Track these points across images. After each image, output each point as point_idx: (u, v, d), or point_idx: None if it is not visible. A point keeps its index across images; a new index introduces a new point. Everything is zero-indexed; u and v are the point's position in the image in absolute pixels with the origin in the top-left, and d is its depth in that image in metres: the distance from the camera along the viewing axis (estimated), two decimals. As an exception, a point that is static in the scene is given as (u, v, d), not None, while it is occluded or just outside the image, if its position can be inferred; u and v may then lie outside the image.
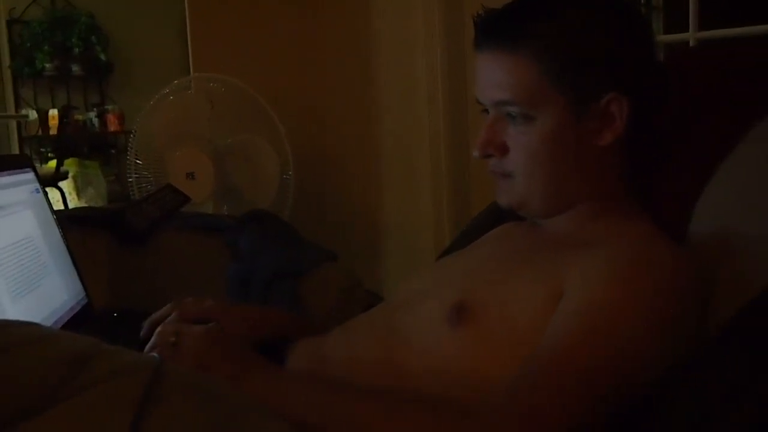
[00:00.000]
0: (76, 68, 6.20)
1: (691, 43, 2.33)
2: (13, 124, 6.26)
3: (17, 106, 6.19)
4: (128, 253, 1.71)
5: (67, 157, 5.51)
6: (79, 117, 6.26)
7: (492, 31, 1.12)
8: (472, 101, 1.35)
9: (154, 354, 1.08)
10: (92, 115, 6.31)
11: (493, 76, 1.12)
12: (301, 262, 1.73)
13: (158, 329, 1.12)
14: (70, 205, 5.15)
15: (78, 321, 1.37)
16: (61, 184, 4.95)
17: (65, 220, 1.55)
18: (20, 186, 1.42)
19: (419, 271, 1.35)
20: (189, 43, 3.15)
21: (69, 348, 0.73)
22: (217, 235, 1.85)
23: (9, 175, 1.39)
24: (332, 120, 3.20)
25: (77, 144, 6.13)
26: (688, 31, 2.33)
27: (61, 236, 1.48)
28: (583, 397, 0.88)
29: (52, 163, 5.11)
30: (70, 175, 5.41)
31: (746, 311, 0.90)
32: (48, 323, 1.28)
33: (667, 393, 0.86)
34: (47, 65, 6.09)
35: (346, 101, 3.15)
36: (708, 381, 0.84)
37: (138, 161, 2.75)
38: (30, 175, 1.47)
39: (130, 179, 2.80)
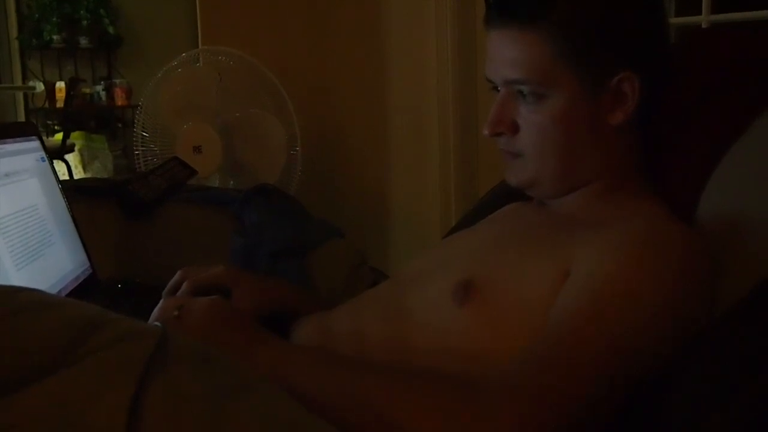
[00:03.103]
0: (84, 41, 6.19)
1: (704, 26, 2.31)
2: (20, 95, 6.25)
3: (24, 78, 6.18)
4: (134, 224, 1.71)
5: (74, 131, 5.50)
6: (87, 90, 6.25)
7: (505, 9, 1.11)
8: (481, 79, 1.34)
9: (158, 323, 1.07)
10: (99, 88, 6.29)
11: (506, 54, 1.11)
12: (307, 237, 1.73)
13: (161, 302, 1.12)
14: (76, 178, 5.14)
15: (82, 291, 1.36)
16: (67, 157, 4.95)
17: (71, 190, 1.54)
18: (26, 154, 1.41)
19: (426, 249, 1.34)
20: (198, 15, 3.13)
21: (75, 314, 0.73)
22: (223, 209, 1.85)
23: (15, 142, 1.38)
24: (341, 96, 3.19)
25: (84, 117, 6.13)
26: (701, 14, 2.31)
27: (66, 206, 1.47)
28: (592, 375, 0.87)
29: (59, 136, 5.10)
30: (76, 148, 5.41)
31: (756, 292, 0.90)
32: (52, 292, 1.28)
33: (677, 370, 0.86)
34: (55, 37, 6.08)
35: (356, 77, 3.13)
36: (720, 357, 0.84)
37: (145, 134, 2.74)
38: (36, 143, 1.46)
39: (137, 152, 2.80)
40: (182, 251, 1.69)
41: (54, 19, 6.05)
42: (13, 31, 6.11)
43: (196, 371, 0.73)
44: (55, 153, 4.60)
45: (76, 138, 5.53)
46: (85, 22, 6.11)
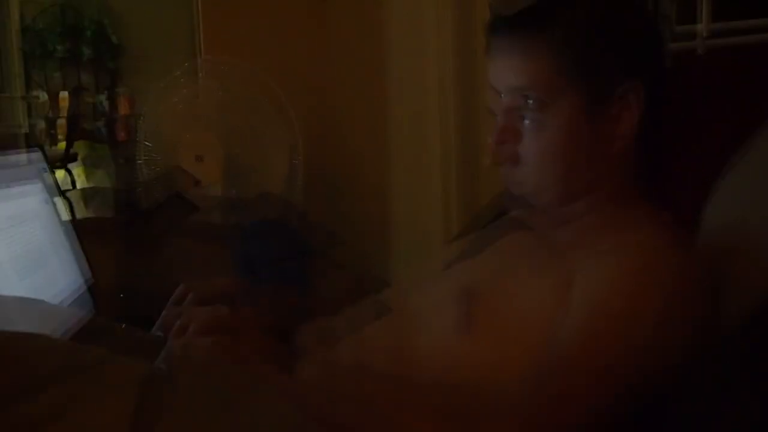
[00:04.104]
0: (87, 50, 6.19)
1: (704, 35, 2.30)
2: (23, 105, 6.26)
3: (28, 88, 6.19)
4: (137, 261, 1.72)
5: (77, 140, 5.51)
6: (90, 99, 6.25)
7: (510, 19, 1.11)
8: (482, 86, 1.34)
9: (159, 333, 1.08)
10: (102, 97, 6.30)
11: (511, 62, 1.11)
12: (309, 245, 1.74)
13: (163, 313, 1.12)
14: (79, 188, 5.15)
15: (84, 301, 1.37)
16: (70, 166, 4.95)
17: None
18: (29, 165, 1.41)
19: (431, 278, 1.33)
20: (200, 25, 3.14)
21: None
22: (226, 246, 1.85)
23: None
24: (343, 104, 3.19)
25: (87, 127, 6.13)
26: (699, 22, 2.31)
27: (68, 216, 1.47)
28: (591, 400, 0.89)
29: (62, 145, 5.11)
30: (79, 157, 5.41)
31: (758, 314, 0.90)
32: (55, 302, 1.27)
33: (680, 386, 0.87)
34: (58, 47, 6.09)
35: (357, 85, 3.14)
36: (727, 372, 0.84)
37: (147, 143, 2.75)
38: (38, 155, 1.47)
39: (139, 161, 2.80)
40: (183, 262, 1.69)
41: (58, 29, 6.05)
42: (17, 41, 6.11)
43: (200, 384, 0.74)
44: (59, 162, 4.60)
45: (79, 147, 5.53)
46: (88, 32, 6.12)
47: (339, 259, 1.74)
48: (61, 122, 6.02)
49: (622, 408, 0.91)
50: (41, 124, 6.17)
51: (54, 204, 1.47)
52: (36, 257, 1.30)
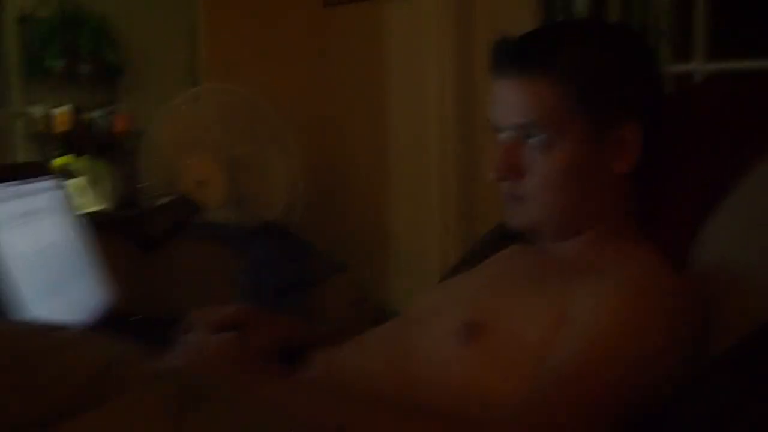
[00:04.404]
0: (85, 68, 6.20)
1: (699, 74, 2.34)
2: (20, 122, 6.27)
3: (25, 104, 6.20)
4: (145, 259, 1.75)
5: (75, 157, 5.52)
6: (87, 117, 6.26)
7: (514, 56, 1.14)
8: (481, 116, 1.36)
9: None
10: (100, 115, 6.31)
11: (514, 100, 1.14)
12: (310, 274, 1.77)
13: (179, 339, 1.16)
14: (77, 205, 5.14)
15: (101, 325, 1.40)
16: (68, 182, 4.96)
17: (87, 224, 1.58)
18: (42, 193, 1.45)
19: (430, 290, 1.37)
20: (202, 51, 3.18)
21: (95, 353, 0.78)
22: (229, 246, 1.89)
23: (32, 182, 1.42)
24: (343, 132, 3.23)
25: (85, 144, 6.14)
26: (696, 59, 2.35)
27: (84, 241, 1.51)
28: (591, 415, 0.92)
29: (60, 161, 5.12)
30: (77, 174, 5.42)
31: (743, 341, 0.94)
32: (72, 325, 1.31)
33: (664, 413, 0.91)
34: (56, 64, 6.10)
35: (358, 113, 3.18)
36: (702, 403, 0.88)
37: (148, 168, 2.78)
38: (51, 182, 1.50)
39: (140, 186, 2.84)
40: (191, 286, 1.73)
41: (56, 46, 6.07)
42: (14, 58, 6.13)
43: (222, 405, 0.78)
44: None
45: (77, 164, 5.54)
46: (86, 50, 6.14)
47: (339, 284, 1.77)
48: (58, 138, 6.03)
49: (619, 425, 0.94)
50: (37, 140, 6.19)
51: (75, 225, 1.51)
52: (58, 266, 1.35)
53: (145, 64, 6.29)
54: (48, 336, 0.78)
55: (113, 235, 1.73)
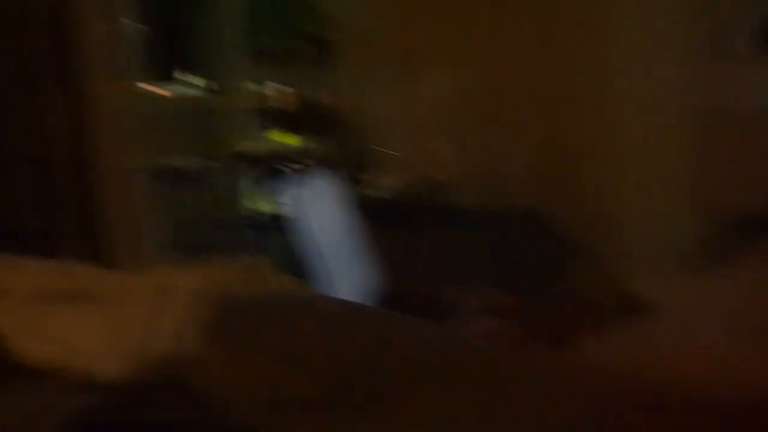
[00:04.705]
0: (301, 46, 6.40)
1: None
2: (242, 100, 6.54)
3: (245, 82, 6.45)
4: (402, 240, 1.84)
5: (303, 134, 5.70)
6: (307, 95, 6.46)
7: None
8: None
9: None
10: (318, 91, 6.47)
11: None
12: (557, 257, 1.80)
13: (470, 320, 1.24)
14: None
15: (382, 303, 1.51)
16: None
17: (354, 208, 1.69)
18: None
19: (685, 282, 1.35)
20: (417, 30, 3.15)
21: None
22: (475, 229, 1.95)
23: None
24: (582, 113, 3.15)
25: (309, 123, 6.33)
26: None
27: (354, 224, 1.62)
28: None
29: (288, 139, 5.31)
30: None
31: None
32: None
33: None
34: (274, 44, 6.31)
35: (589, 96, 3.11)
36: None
37: (388, 151, 2.85)
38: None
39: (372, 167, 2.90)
40: (444, 267, 1.81)
41: (273, 26, 6.29)
42: (234, 38, 6.36)
43: None
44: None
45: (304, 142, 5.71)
46: (302, 28, 6.33)
47: (586, 268, 1.80)
48: (279, 116, 6.28)
49: None
50: (260, 117, 6.45)
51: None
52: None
53: (357, 38, 6.41)
54: (399, 321, 0.87)
55: (377, 218, 1.84)
